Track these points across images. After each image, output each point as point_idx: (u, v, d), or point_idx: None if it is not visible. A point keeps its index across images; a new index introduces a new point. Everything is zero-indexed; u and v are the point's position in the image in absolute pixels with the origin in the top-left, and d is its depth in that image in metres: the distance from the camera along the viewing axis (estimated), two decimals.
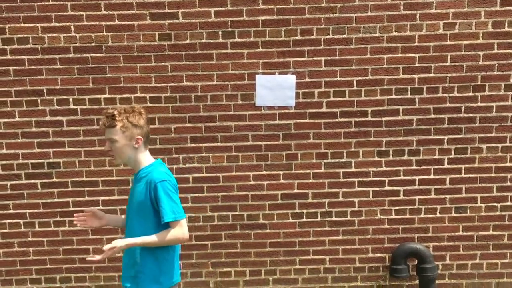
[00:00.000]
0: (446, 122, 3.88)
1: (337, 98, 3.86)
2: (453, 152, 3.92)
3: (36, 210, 3.97)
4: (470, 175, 3.95)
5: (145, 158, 2.60)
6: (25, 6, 3.72)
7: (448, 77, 3.83)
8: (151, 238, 2.49)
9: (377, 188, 3.98)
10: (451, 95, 3.85)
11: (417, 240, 4.03)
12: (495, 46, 3.78)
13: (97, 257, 2.43)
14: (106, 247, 2.41)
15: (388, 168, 3.95)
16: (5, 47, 3.77)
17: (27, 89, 3.83)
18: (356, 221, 4.02)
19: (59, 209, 3.96)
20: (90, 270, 4.04)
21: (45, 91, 3.83)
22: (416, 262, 3.98)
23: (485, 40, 3.78)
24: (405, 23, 3.77)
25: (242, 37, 3.78)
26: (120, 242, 2.45)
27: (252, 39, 3.79)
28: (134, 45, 3.78)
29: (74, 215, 2.73)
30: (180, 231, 2.52)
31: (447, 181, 3.96)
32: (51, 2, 3.72)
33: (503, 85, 3.83)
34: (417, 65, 3.82)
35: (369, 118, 3.89)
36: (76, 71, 3.81)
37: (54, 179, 3.93)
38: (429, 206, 4.00)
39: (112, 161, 2.66)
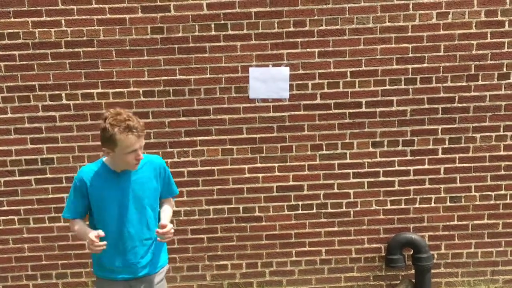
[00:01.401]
0: (440, 112, 3.89)
1: (331, 90, 3.86)
2: (447, 142, 3.93)
3: (30, 207, 3.95)
4: (464, 165, 3.96)
5: None
6: (15, 1, 3.67)
7: (441, 67, 3.83)
8: (170, 212, 2.75)
9: (372, 179, 3.98)
10: (444, 85, 3.85)
11: (412, 230, 4.05)
12: (488, 35, 3.78)
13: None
14: (170, 229, 2.50)
15: (382, 159, 3.95)
16: None
17: (19, 84, 3.79)
18: (352, 212, 4.03)
19: (53, 205, 3.94)
20: (86, 265, 4.03)
21: (37, 86, 3.80)
22: (411, 252, 3.99)
23: (478, 30, 3.78)
24: (398, 13, 3.76)
25: (235, 29, 3.76)
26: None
27: (245, 31, 3.76)
28: (126, 39, 3.75)
29: (96, 244, 2.38)
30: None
31: (442, 171, 3.97)
32: None
33: (496, 74, 3.84)
34: (410, 55, 3.81)
35: (363, 109, 3.88)
36: (68, 65, 3.78)
37: (48, 175, 3.91)
38: (424, 196, 4.01)
39: (134, 167, 2.54)
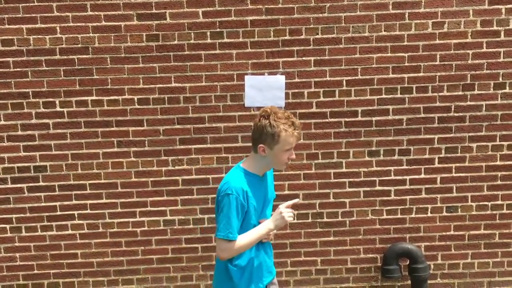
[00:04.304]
0: (436, 121, 3.88)
1: (327, 98, 3.84)
2: (443, 151, 3.92)
3: (22, 215, 3.90)
4: (461, 174, 3.94)
5: None
6: (10, 8, 3.66)
7: (437, 76, 3.83)
8: None
9: (368, 188, 3.96)
10: (440, 94, 3.85)
11: (409, 240, 4.02)
12: (484, 44, 3.78)
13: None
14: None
15: (378, 168, 3.93)
16: None
17: (12, 91, 3.76)
18: (348, 222, 4.00)
19: (46, 213, 3.90)
20: (79, 275, 3.98)
21: (30, 93, 3.77)
22: (408, 262, 3.96)
23: (474, 39, 3.78)
24: (394, 22, 3.76)
25: (231, 37, 3.75)
26: None
27: (240, 40, 3.75)
28: (121, 46, 3.74)
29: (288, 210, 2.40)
30: None
31: (438, 181, 3.95)
32: (36, 3, 3.66)
33: (492, 83, 3.83)
34: (406, 64, 3.81)
35: (359, 118, 3.87)
36: (62, 73, 3.76)
37: (41, 183, 3.87)
38: (420, 206, 3.98)
39: (284, 166, 2.52)
